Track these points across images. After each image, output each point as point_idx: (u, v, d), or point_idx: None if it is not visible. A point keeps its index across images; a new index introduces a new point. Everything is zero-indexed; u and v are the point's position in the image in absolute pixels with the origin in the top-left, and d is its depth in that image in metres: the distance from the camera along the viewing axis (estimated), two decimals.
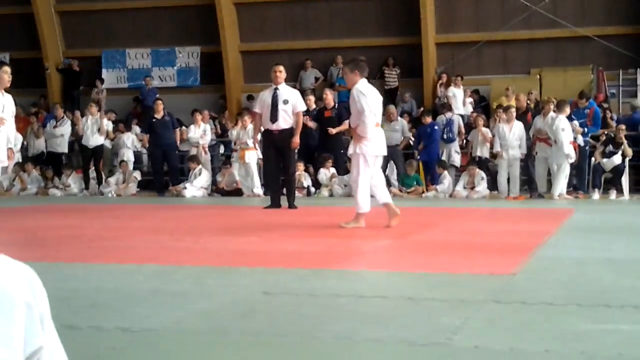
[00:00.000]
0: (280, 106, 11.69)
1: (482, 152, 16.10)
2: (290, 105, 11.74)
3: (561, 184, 14.54)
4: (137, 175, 17.80)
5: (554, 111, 14.67)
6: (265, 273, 5.36)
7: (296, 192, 15.80)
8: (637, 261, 6.06)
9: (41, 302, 1.62)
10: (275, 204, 12.01)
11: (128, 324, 3.76)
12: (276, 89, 11.81)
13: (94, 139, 17.35)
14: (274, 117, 11.69)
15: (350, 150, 8.71)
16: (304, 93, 17.11)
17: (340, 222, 8.56)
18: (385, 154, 9.07)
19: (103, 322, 3.84)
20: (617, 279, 5.08)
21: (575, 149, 14.54)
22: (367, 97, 8.44)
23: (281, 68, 11.97)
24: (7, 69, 9.55)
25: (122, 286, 4.88)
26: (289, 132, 11.74)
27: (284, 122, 11.72)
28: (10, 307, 1.52)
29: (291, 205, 11.96)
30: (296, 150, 12.71)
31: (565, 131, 14.25)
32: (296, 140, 11.83)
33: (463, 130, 17.55)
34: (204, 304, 4.27)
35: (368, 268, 5.64)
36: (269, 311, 4.12)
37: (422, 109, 19.26)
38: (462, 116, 18.83)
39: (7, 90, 9.61)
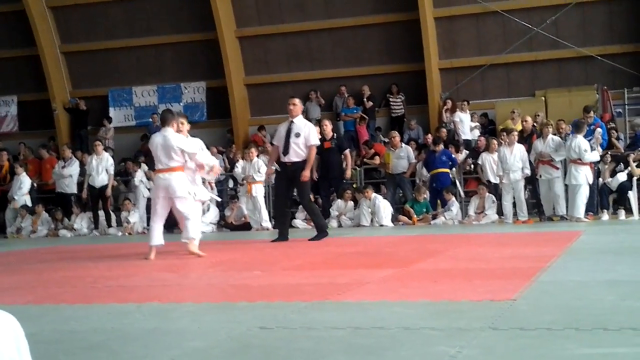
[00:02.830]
0: (292, 139, 11.71)
1: (493, 176, 16.01)
2: (303, 139, 11.75)
3: (581, 207, 14.39)
4: (134, 217, 17.62)
5: (554, 134, 14.72)
6: (264, 307, 5.34)
7: (305, 223, 15.82)
8: (639, 282, 6.00)
9: (25, 355, 1.66)
10: (283, 236, 11.99)
11: None
12: (292, 122, 11.86)
13: (100, 179, 17.35)
14: (285, 150, 11.74)
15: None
16: None
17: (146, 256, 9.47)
18: (161, 196, 9.85)
19: None
20: (617, 301, 5.03)
21: (591, 169, 14.50)
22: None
23: (296, 101, 11.99)
24: (182, 120, 10.32)
25: (120, 326, 4.87)
26: (300, 165, 11.73)
27: (295, 155, 11.73)
28: None
29: (320, 231, 11.97)
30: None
31: (588, 152, 14.22)
32: (306, 173, 11.76)
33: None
34: (199, 342, 4.25)
35: (368, 298, 5.59)
36: (264, 346, 4.09)
37: (429, 135, 19.25)
38: (469, 141, 18.86)
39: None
